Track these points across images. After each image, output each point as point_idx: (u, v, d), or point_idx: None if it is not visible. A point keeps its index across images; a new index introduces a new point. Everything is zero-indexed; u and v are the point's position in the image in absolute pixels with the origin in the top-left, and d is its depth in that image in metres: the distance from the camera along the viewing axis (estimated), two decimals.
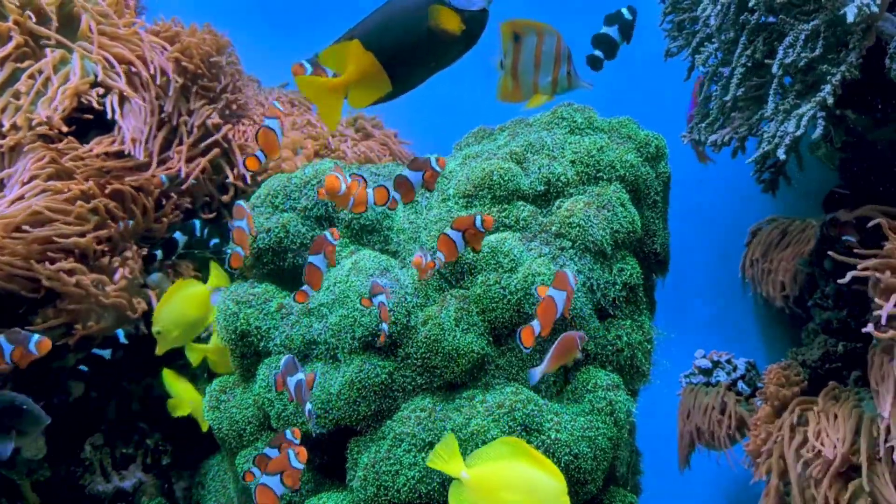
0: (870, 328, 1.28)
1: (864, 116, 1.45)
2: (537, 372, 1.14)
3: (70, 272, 1.44)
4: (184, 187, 1.64)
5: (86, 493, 1.56)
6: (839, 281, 1.36)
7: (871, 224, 1.39)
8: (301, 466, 1.06)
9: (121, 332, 1.50)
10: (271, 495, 1.05)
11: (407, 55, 1.10)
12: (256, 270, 1.35)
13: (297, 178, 1.38)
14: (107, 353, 1.49)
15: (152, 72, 1.61)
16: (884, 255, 1.32)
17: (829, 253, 1.43)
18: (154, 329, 1.42)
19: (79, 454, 1.57)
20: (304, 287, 1.17)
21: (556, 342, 1.14)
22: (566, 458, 1.12)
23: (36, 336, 1.17)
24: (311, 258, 1.16)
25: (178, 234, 1.61)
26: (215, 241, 1.63)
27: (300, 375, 1.09)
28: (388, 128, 1.95)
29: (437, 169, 1.16)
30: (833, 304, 1.56)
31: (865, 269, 1.31)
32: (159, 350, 1.44)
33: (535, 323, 1.07)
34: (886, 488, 1.25)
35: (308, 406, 1.08)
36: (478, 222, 1.14)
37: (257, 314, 1.27)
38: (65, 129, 1.53)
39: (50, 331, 1.48)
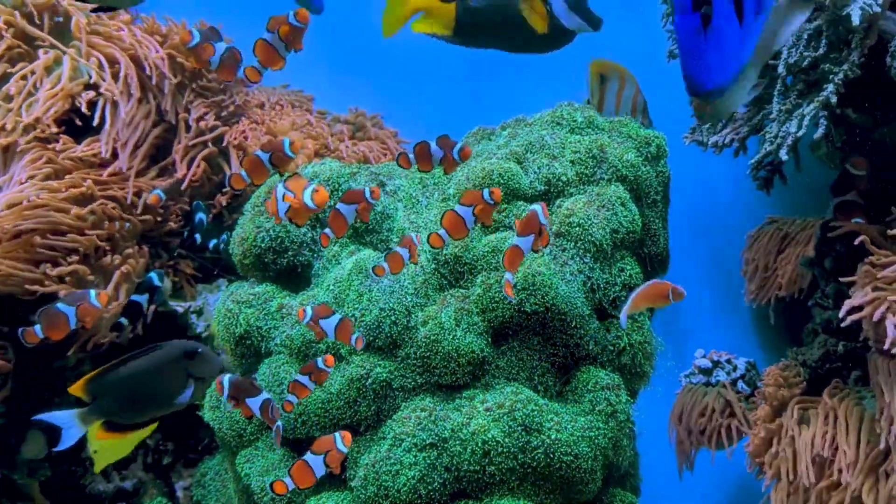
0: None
1: (864, 115, 1.45)
2: (623, 316, 1.17)
3: (72, 274, 1.44)
4: (184, 187, 1.64)
5: (86, 492, 1.56)
6: (834, 310, 1.37)
7: (857, 241, 1.39)
8: (345, 450, 1.05)
9: (154, 275, 1.49)
10: (309, 475, 1.04)
11: (485, 19, 1.12)
12: (257, 271, 1.35)
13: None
14: (143, 299, 1.47)
15: (148, 72, 1.60)
16: (870, 276, 1.32)
17: (815, 304, 1.44)
18: (91, 449, 1.42)
19: (79, 454, 1.57)
20: (327, 230, 1.14)
21: (644, 285, 1.15)
22: (566, 458, 1.12)
23: (93, 291, 1.15)
24: (339, 205, 1.13)
25: (201, 215, 1.60)
26: (214, 241, 1.63)
27: (264, 395, 1.07)
28: (388, 127, 1.95)
29: (456, 157, 1.15)
30: (833, 303, 1.56)
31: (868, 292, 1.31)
32: (97, 469, 1.42)
33: (508, 275, 1.08)
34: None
35: (278, 423, 1.07)
36: (486, 195, 1.11)
37: (257, 314, 1.27)
38: (54, 129, 1.53)
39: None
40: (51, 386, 1.53)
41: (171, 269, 1.64)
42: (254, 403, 1.06)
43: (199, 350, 1.07)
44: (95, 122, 1.55)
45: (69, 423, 1.06)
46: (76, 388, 1.07)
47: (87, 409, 1.07)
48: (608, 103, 1.40)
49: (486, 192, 1.11)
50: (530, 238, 1.08)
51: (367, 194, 1.12)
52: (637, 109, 1.40)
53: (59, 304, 1.13)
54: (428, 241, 1.14)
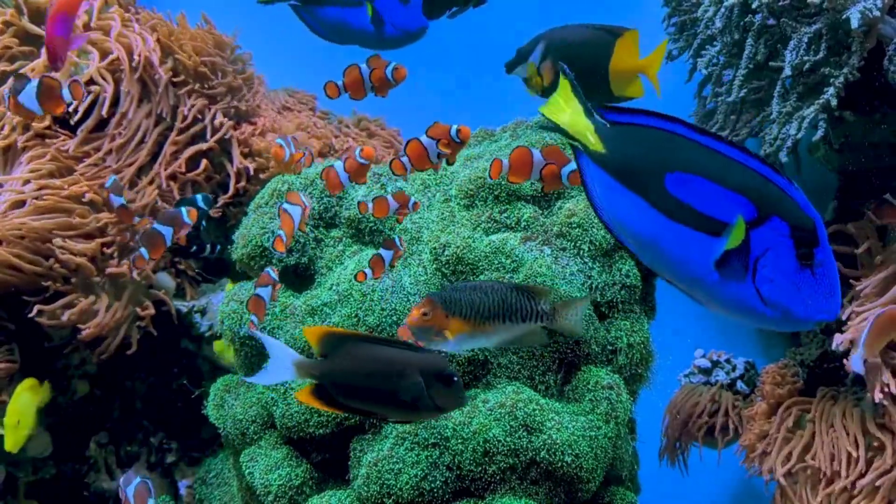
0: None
1: (862, 118, 1.46)
2: (858, 358, 1.13)
3: (78, 272, 1.45)
4: (165, 173, 1.60)
5: (90, 490, 1.57)
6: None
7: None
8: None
9: (199, 197, 1.49)
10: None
11: None
12: (260, 271, 1.35)
13: (301, 177, 1.39)
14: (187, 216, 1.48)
15: (135, 64, 1.59)
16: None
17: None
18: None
19: (84, 452, 1.58)
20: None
21: (874, 318, 1.11)
22: (567, 457, 1.13)
23: (184, 209, 1.18)
24: (335, 164, 1.19)
25: (200, 202, 1.59)
26: (216, 255, 1.63)
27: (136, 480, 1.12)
28: (391, 127, 1.96)
29: (455, 139, 1.15)
30: None
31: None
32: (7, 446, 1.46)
33: (505, 161, 1.10)
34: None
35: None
36: (453, 132, 1.11)
37: None
38: (43, 124, 1.53)
39: (57, 330, 1.49)
40: (55, 386, 1.54)
41: (173, 268, 1.65)
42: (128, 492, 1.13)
43: (455, 378, 0.92)
44: (76, 119, 1.54)
45: (285, 361, 0.91)
46: (312, 332, 0.92)
47: (311, 360, 0.92)
48: None
49: (453, 128, 1.10)
50: (540, 164, 1.10)
51: (357, 155, 1.17)
52: None
53: (156, 225, 1.19)
54: (390, 167, 1.14)
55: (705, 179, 0.81)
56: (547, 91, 1.22)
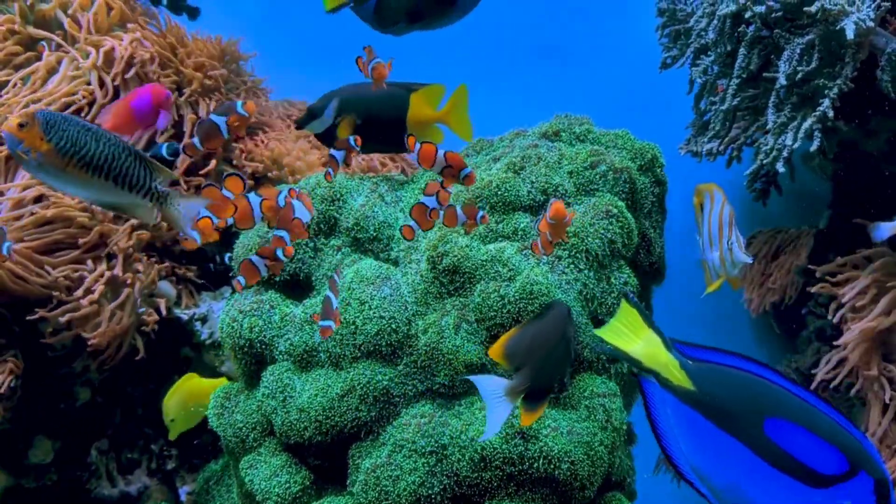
0: None
1: (855, 127, 1.48)
2: (886, 228, 1.11)
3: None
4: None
5: (91, 497, 1.57)
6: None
7: (815, 289, 1.41)
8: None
9: (163, 146, 1.47)
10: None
11: None
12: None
13: (301, 187, 1.40)
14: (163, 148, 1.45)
15: (124, 60, 1.59)
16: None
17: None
18: (167, 419, 1.47)
19: (85, 459, 1.58)
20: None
21: None
22: (563, 464, 1.13)
23: (239, 102, 1.15)
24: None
25: (163, 149, 1.53)
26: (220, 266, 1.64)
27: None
28: None
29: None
30: (826, 312, 1.58)
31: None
32: (172, 435, 1.49)
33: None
34: None
35: None
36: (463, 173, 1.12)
37: (261, 322, 1.29)
38: None
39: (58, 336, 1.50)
40: (57, 392, 1.55)
41: (174, 275, 1.66)
42: None
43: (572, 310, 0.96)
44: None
45: (498, 393, 0.90)
46: (497, 351, 0.92)
47: (513, 380, 0.91)
48: (713, 223, 1.48)
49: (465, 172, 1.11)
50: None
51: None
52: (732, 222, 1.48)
53: (213, 116, 1.15)
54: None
55: (804, 429, 0.81)
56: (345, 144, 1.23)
